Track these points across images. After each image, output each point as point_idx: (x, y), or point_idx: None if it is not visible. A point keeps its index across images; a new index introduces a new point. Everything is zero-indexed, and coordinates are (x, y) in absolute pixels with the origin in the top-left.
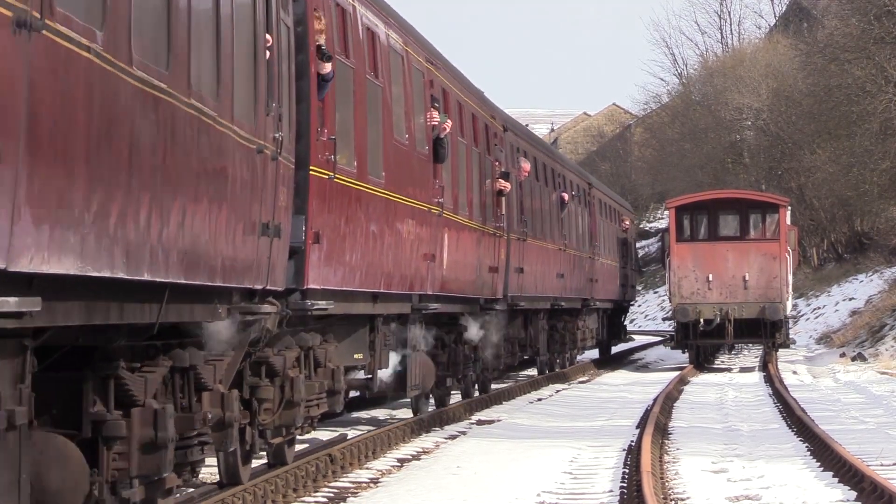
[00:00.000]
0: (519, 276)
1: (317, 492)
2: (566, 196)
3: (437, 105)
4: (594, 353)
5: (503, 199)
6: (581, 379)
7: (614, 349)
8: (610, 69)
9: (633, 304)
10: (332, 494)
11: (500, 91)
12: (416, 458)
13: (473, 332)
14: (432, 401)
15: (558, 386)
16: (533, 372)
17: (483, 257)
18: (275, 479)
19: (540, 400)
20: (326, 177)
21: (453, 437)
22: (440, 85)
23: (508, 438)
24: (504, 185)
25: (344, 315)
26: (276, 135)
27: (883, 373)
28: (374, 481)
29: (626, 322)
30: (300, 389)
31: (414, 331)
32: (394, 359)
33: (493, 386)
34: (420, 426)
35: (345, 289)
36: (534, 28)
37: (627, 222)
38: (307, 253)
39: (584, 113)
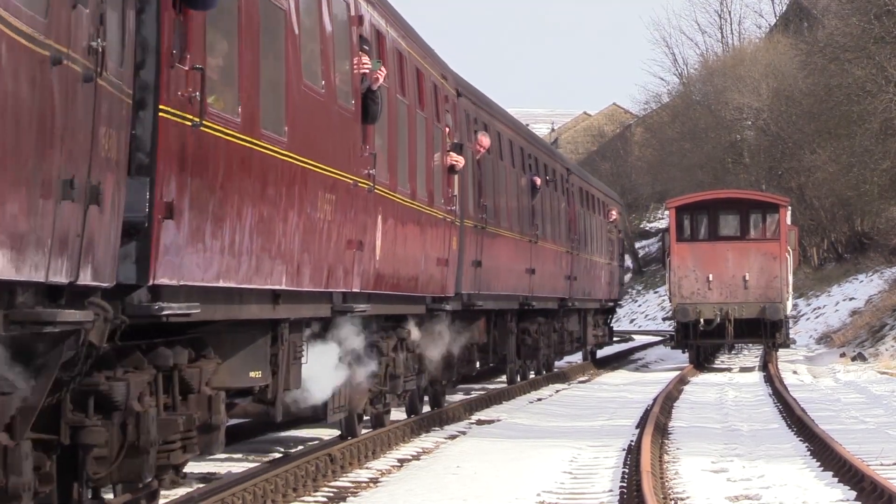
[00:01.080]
0: (476, 271)
1: (317, 491)
2: (538, 180)
3: (367, 48)
4: (577, 358)
5: (455, 177)
6: (581, 379)
7: (600, 353)
8: (610, 69)
9: (621, 305)
10: (332, 494)
11: (500, 91)
12: (416, 458)
13: (417, 337)
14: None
15: (558, 386)
16: (502, 380)
17: (429, 247)
18: (274, 479)
19: (540, 400)
20: (189, 123)
21: (453, 437)
22: (373, 24)
23: (508, 438)
24: (456, 159)
25: (231, 321)
26: (94, 43)
27: (883, 373)
28: (374, 481)
29: (622, 323)
30: (149, 429)
31: (338, 338)
32: (308, 375)
33: (449, 397)
34: (420, 426)
35: (223, 285)
36: (534, 28)
37: (615, 214)
38: (154, 232)
39: (585, 113)
